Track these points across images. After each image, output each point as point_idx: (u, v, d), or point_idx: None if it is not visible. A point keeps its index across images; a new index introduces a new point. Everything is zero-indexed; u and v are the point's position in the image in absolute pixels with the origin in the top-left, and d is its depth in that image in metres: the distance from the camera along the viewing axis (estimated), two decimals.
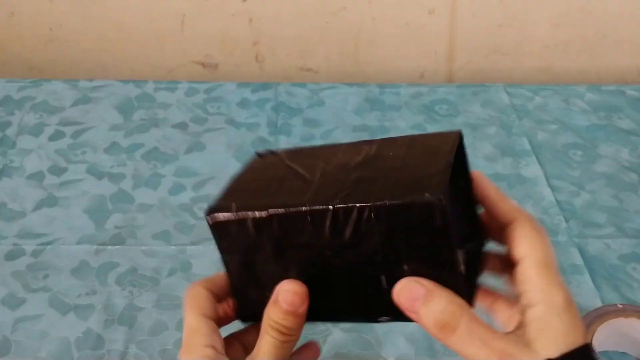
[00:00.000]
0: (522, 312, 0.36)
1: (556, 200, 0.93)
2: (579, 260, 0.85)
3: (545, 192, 0.95)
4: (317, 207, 0.35)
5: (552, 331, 0.34)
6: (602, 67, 1.27)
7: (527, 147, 1.02)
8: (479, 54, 1.25)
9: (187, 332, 0.38)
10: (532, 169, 0.98)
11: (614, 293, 0.82)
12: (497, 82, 1.20)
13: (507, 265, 0.38)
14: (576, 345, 0.34)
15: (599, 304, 0.80)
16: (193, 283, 0.41)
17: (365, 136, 1.03)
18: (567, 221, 0.90)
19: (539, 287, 0.36)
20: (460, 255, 0.34)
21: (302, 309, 0.37)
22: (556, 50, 1.25)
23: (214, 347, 0.37)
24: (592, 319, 0.71)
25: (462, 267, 0.35)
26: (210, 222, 0.39)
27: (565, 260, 0.85)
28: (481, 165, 0.99)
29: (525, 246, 0.36)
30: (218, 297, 0.42)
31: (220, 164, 0.97)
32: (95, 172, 0.95)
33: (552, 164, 1.00)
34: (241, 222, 0.37)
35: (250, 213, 0.37)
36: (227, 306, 0.42)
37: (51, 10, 1.18)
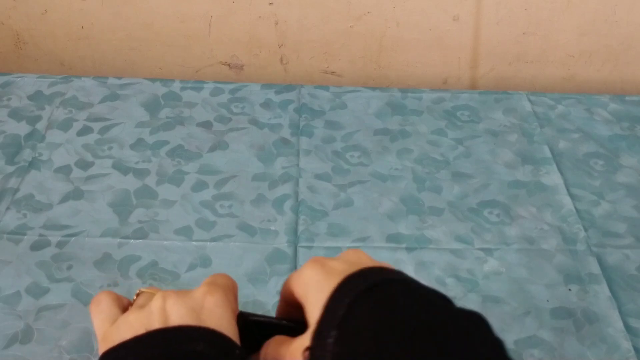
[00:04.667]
0: None
1: (576, 209, 0.93)
2: (597, 269, 0.85)
3: (565, 200, 0.94)
4: None
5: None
6: (626, 77, 1.26)
7: (548, 155, 1.02)
8: (502, 62, 1.25)
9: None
10: (552, 177, 0.98)
11: (632, 304, 0.81)
12: (520, 89, 1.20)
13: None
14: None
15: (616, 314, 0.80)
16: (98, 293, 0.40)
17: (386, 140, 1.04)
18: (586, 230, 0.90)
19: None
20: None
21: None
22: (580, 59, 1.25)
23: None
24: None
25: None
26: None
27: (582, 269, 0.85)
28: (501, 172, 0.99)
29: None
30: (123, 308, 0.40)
31: (243, 163, 0.99)
32: (121, 168, 0.97)
33: (572, 172, 0.99)
34: None
35: None
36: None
37: (83, 8, 1.21)
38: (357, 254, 0.36)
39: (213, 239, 0.87)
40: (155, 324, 0.34)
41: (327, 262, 0.35)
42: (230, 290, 0.36)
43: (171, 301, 0.35)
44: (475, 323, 0.32)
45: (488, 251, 0.87)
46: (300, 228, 0.89)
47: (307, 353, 0.33)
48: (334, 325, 0.32)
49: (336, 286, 0.33)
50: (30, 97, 1.09)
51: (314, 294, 0.34)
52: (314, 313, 0.34)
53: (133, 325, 0.34)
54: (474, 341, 0.31)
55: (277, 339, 0.37)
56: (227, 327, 0.35)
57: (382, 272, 0.34)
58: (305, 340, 0.34)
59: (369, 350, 0.30)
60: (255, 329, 0.38)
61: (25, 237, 0.86)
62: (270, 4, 1.19)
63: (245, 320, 0.38)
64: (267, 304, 0.80)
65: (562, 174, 0.99)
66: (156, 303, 0.35)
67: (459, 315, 0.33)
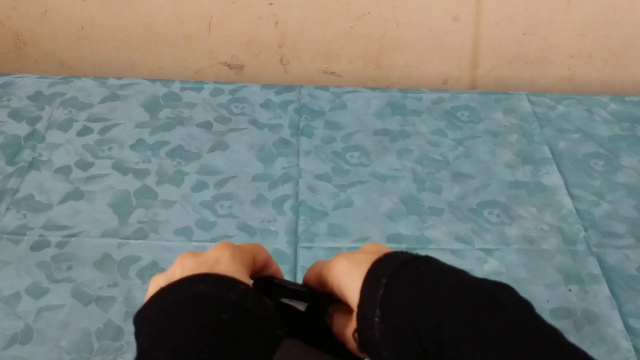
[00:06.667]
0: None
1: (576, 209, 0.93)
2: (596, 269, 0.85)
3: (565, 201, 0.94)
4: None
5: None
6: (626, 77, 1.26)
7: (548, 155, 1.02)
8: (502, 62, 1.25)
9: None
10: (552, 178, 0.98)
11: (632, 304, 0.81)
12: (520, 90, 1.20)
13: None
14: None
15: (616, 314, 0.80)
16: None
17: (386, 140, 1.04)
18: (586, 230, 0.90)
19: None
20: None
21: None
22: (580, 59, 1.24)
23: None
24: None
25: None
26: None
27: (582, 269, 0.85)
28: (501, 172, 0.99)
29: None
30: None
31: (243, 164, 0.99)
32: (121, 168, 0.97)
33: (572, 173, 0.99)
34: None
35: None
36: None
37: (83, 9, 1.21)
38: (376, 245, 0.41)
39: (213, 240, 0.87)
40: (176, 278, 0.39)
41: (351, 255, 0.40)
42: (247, 251, 0.40)
43: (187, 259, 0.40)
44: (502, 287, 0.37)
45: (488, 251, 0.87)
46: (300, 228, 0.89)
47: (356, 335, 0.38)
48: (377, 305, 0.36)
49: (367, 271, 0.37)
50: (30, 98, 1.09)
51: (349, 283, 0.38)
52: (353, 299, 0.38)
53: (158, 283, 0.39)
54: (503, 300, 0.35)
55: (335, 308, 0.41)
56: (233, 272, 0.38)
57: (405, 254, 0.38)
58: (352, 323, 0.38)
59: (410, 322, 0.35)
60: (277, 292, 0.43)
61: (25, 237, 0.86)
62: (270, 4, 1.19)
63: (270, 283, 0.42)
64: None
65: (562, 174, 0.99)
66: (176, 264, 0.40)
67: (485, 281, 0.37)
